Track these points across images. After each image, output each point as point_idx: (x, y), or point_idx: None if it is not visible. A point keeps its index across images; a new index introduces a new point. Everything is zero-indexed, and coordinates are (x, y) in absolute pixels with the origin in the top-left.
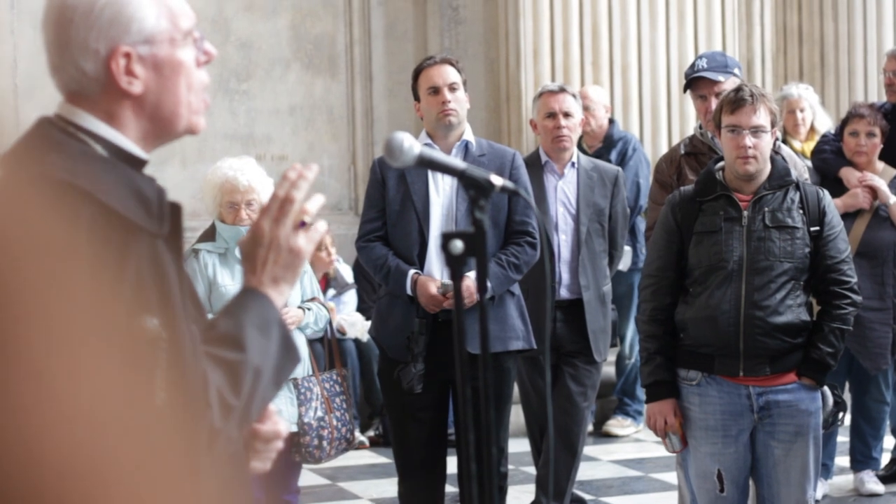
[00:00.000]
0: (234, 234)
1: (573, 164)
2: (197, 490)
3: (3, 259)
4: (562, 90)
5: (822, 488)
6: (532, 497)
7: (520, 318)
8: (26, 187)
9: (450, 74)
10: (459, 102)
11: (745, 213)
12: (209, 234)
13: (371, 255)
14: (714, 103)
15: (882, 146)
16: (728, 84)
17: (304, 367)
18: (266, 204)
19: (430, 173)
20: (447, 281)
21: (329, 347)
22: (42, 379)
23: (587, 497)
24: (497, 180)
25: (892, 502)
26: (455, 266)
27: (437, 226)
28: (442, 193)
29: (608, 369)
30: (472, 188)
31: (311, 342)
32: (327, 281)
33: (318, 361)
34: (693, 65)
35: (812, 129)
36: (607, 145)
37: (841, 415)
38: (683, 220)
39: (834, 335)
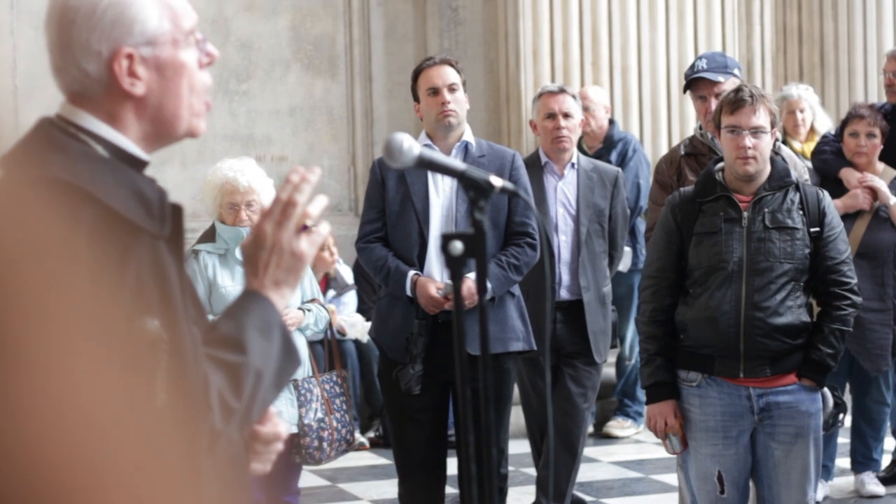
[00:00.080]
0: (234, 235)
1: (573, 164)
2: (197, 492)
3: (2, 260)
4: (561, 91)
5: (822, 490)
6: (532, 498)
7: (520, 319)
8: (27, 188)
9: (449, 75)
10: (459, 103)
11: (745, 213)
12: (209, 235)
13: (371, 256)
14: (714, 104)
15: (882, 147)
16: (728, 85)
17: (304, 369)
18: (269, 207)
19: (429, 174)
20: (449, 282)
21: (329, 348)
22: (41, 380)
23: (587, 498)
24: (497, 181)
25: None
26: (455, 267)
27: (436, 227)
28: (442, 194)
29: (608, 370)
30: (472, 189)
31: (311, 344)
32: (327, 282)
33: (318, 362)
34: (693, 65)
35: (812, 130)
36: (607, 146)
37: (841, 416)
38: (683, 221)
39: (834, 336)
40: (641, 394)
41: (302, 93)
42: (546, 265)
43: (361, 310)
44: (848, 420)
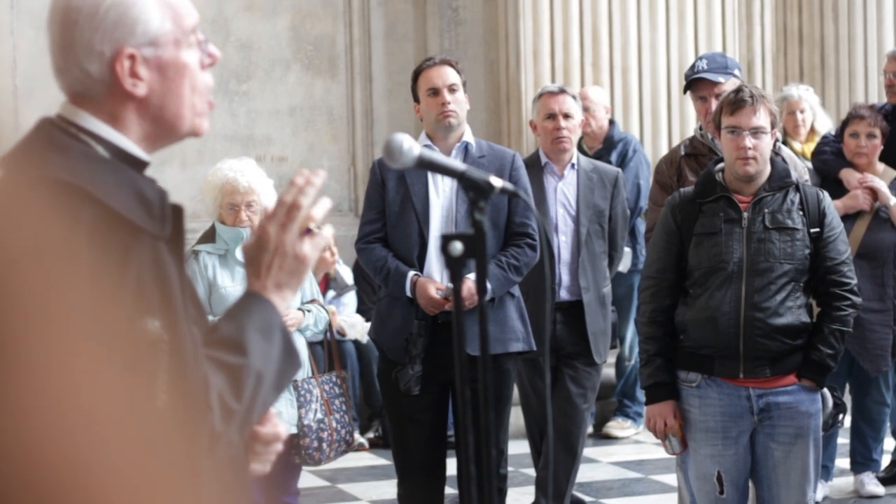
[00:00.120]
0: (234, 235)
1: (573, 165)
2: (197, 492)
3: (3, 260)
4: (561, 91)
5: (822, 490)
6: (532, 499)
7: (519, 319)
8: (27, 188)
9: (449, 76)
10: (459, 104)
11: (745, 214)
12: (209, 236)
13: (371, 256)
14: (714, 104)
15: (882, 147)
16: (728, 85)
17: (303, 370)
18: (273, 209)
19: (429, 175)
20: (450, 285)
21: (329, 349)
22: (41, 381)
23: (587, 499)
24: (497, 182)
25: None
26: (455, 268)
27: (436, 227)
28: (442, 195)
29: (608, 371)
30: (472, 190)
31: (311, 345)
32: (327, 282)
33: (317, 363)
34: (693, 66)
35: (812, 131)
36: (607, 146)
37: (841, 416)
38: (683, 222)
39: (834, 337)
40: (641, 394)
41: (302, 93)
42: (546, 266)
43: (361, 310)
44: (847, 420)
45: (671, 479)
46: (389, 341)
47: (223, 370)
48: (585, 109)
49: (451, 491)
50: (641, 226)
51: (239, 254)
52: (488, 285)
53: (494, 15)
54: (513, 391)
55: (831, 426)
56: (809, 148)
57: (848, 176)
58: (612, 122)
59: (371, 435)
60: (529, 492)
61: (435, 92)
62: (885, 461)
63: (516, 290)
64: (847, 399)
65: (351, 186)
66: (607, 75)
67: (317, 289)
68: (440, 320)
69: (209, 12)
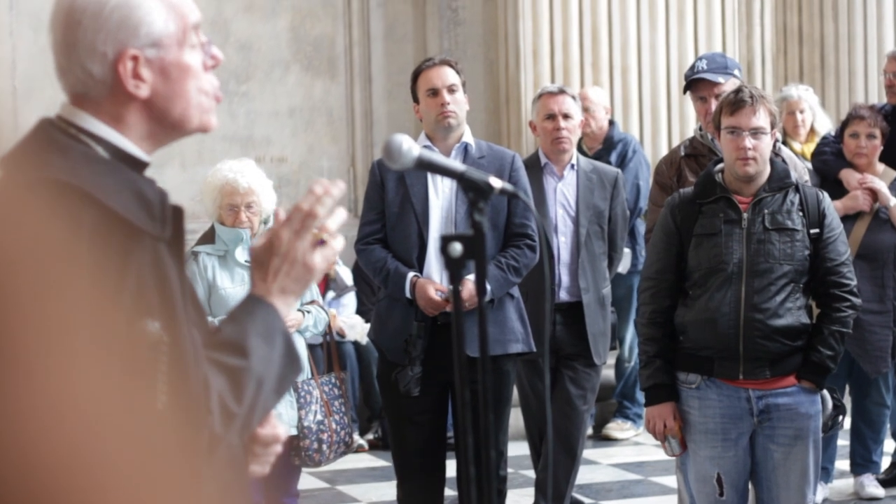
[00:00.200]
0: (233, 236)
1: (572, 165)
2: (197, 495)
3: (2, 261)
4: (561, 92)
5: (822, 492)
6: (531, 500)
7: (519, 320)
8: (27, 189)
9: (449, 76)
10: (458, 104)
11: (745, 215)
12: (208, 237)
13: (370, 257)
14: (714, 105)
15: (882, 148)
16: (728, 85)
17: (303, 371)
18: (288, 214)
19: (429, 175)
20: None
21: (328, 350)
22: (40, 382)
23: (586, 500)
24: (496, 183)
25: None
26: (454, 269)
27: (436, 228)
28: (441, 196)
29: (608, 372)
30: (472, 190)
31: (311, 346)
32: (327, 283)
33: (317, 365)
34: (693, 66)
35: (812, 131)
36: (607, 147)
37: (840, 418)
38: (683, 223)
39: (834, 338)
40: (641, 396)
41: (301, 94)
42: (545, 267)
43: (361, 311)
44: (847, 422)
45: (671, 480)
46: (389, 342)
47: (224, 372)
48: (585, 110)
49: (450, 492)
50: (641, 226)
51: (239, 254)
52: (488, 286)
53: (494, 15)
54: (512, 392)
55: (831, 428)
56: (809, 148)
57: (848, 176)
58: (611, 123)
59: (370, 436)
60: (529, 493)
61: (434, 92)
62: (885, 463)
63: (516, 291)
64: (847, 401)
65: (350, 187)
66: (607, 76)
67: (316, 290)
68: (440, 321)
69: (209, 13)
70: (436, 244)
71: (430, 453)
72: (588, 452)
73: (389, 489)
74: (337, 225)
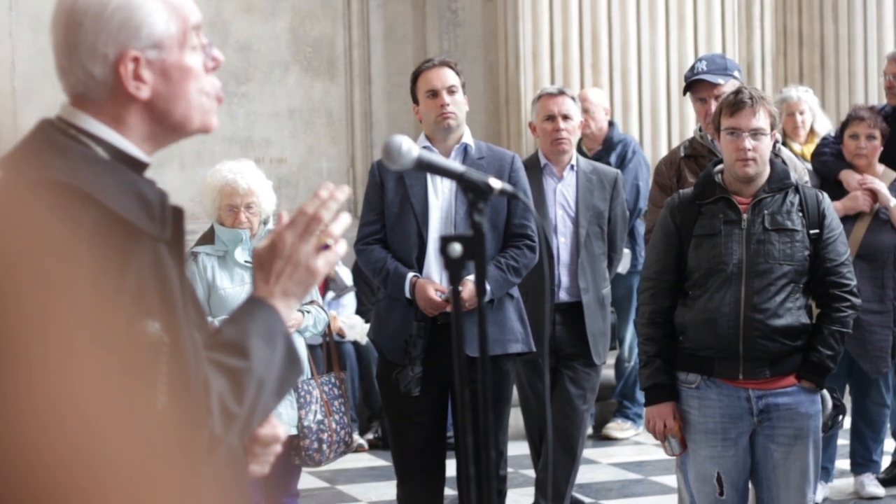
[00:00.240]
0: (233, 237)
1: (572, 166)
2: (196, 495)
3: (2, 262)
4: (561, 93)
5: (822, 491)
6: (531, 500)
7: (519, 321)
8: (27, 190)
9: (448, 77)
10: (458, 105)
11: (745, 215)
12: (208, 237)
13: (370, 258)
14: (714, 106)
15: (882, 149)
16: (728, 87)
17: (303, 372)
18: (292, 217)
19: (429, 176)
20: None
21: (327, 350)
22: (39, 382)
23: (586, 500)
24: (496, 183)
25: None
26: (454, 269)
27: (435, 229)
28: (441, 196)
29: (607, 372)
30: (471, 191)
31: (310, 347)
32: (326, 283)
33: (316, 365)
34: (693, 67)
35: (812, 132)
36: (607, 148)
37: (840, 418)
38: (682, 223)
39: (833, 338)
40: (641, 395)
41: (301, 95)
42: (545, 267)
43: (360, 311)
44: (847, 422)
45: (671, 480)
46: (389, 342)
47: (224, 373)
48: (585, 111)
49: (450, 492)
50: (641, 227)
51: (238, 255)
52: (487, 287)
53: (494, 17)
54: (512, 392)
55: (831, 427)
56: (809, 149)
57: (848, 177)
58: (611, 124)
59: (370, 436)
60: (529, 493)
61: (434, 94)
62: (886, 462)
63: (515, 292)
64: (847, 400)
65: (350, 188)
66: (607, 77)
67: (316, 290)
68: (439, 321)
69: (208, 14)
70: (435, 244)
71: (430, 453)
72: (588, 452)
73: (389, 489)
74: (341, 229)
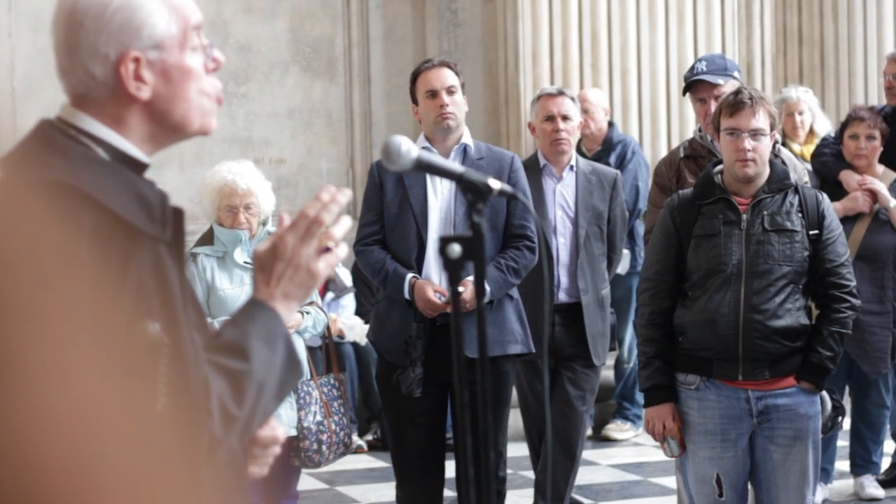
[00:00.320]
0: (232, 237)
1: (572, 167)
2: (196, 497)
3: (1, 262)
4: (560, 93)
5: (821, 493)
6: (530, 501)
7: (518, 321)
8: (27, 190)
9: (448, 78)
10: (457, 106)
11: (745, 216)
12: (207, 238)
13: (369, 258)
14: (713, 106)
15: (882, 149)
16: (727, 87)
17: (303, 373)
18: (293, 220)
19: (428, 177)
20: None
21: (326, 351)
22: (38, 383)
23: (586, 501)
24: (495, 184)
25: None
26: (453, 270)
27: (435, 229)
28: (440, 197)
29: (607, 373)
30: (470, 192)
31: (310, 349)
32: (326, 284)
33: (316, 366)
34: (692, 67)
35: (812, 132)
36: (606, 148)
37: (839, 419)
38: (682, 224)
39: (833, 339)
40: (640, 396)
41: (300, 95)
42: (544, 268)
43: (360, 312)
44: (847, 423)
45: (670, 481)
46: (388, 343)
47: (225, 375)
48: (584, 111)
49: (449, 493)
50: (640, 228)
51: (238, 256)
52: (487, 287)
53: (493, 17)
54: (511, 393)
55: (830, 429)
56: (809, 150)
57: (847, 178)
58: (611, 124)
59: (370, 437)
60: (528, 494)
61: (433, 94)
62: (885, 464)
63: (515, 293)
64: (847, 402)
65: (349, 188)
66: (606, 77)
67: (315, 291)
68: (438, 322)
69: (208, 14)
70: (435, 245)
71: (429, 454)
72: (587, 453)
73: (389, 490)
74: (342, 232)
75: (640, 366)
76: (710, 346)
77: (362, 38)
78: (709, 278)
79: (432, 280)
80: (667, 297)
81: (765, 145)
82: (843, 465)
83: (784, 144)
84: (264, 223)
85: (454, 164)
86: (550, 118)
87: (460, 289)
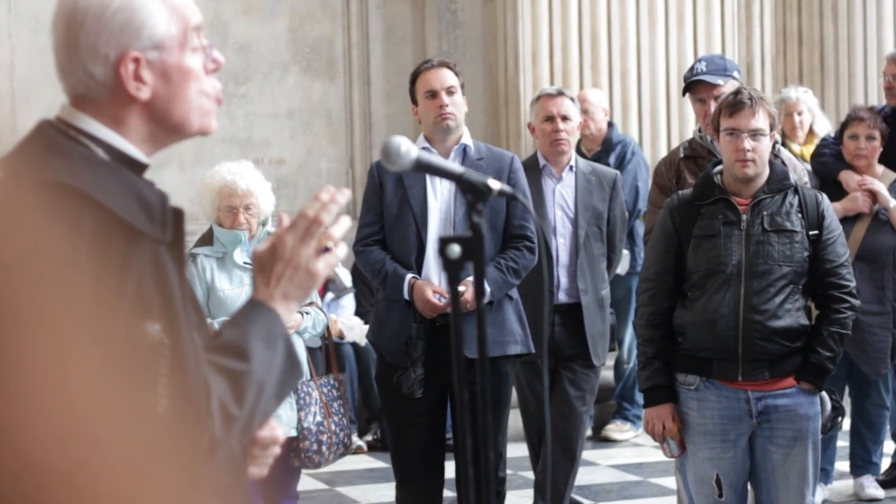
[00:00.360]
0: (231, 238)
1: (571, 167)
2: (196, 497)
3: (2, 263)
4: (560, 94)
5: (821, 493)
6: (530, 502)
7: (518, 322)
8: (27, 191)
9: (447, 78)
10: (457, 106)
11: (744, 216)
12: (207, 239)
13: (368, 259)
14: (713, 106)
15: (882, 149)
16: (727, 87)
17: (303, 374)
18: (293, 220)
19: (428, 177)
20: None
21: (326, 352)
22: (37, 384)
23: (586, 502)
24: (494, 184)
25: None
26: (452, 270)
27: (434, 230)
28: (440, 197)
29: (607, 373)
30: (470, 192)
31: (310, 349)
32: (326, 285)
33: (315, 366)
34: (692, 68)
35: (811, 133)
36: (606, 149)
37: (839, 420)
38: (682, 224)
39: (833, 339)
40: (640, 397)
41: (300, 95)
42: (544, 268)
43: (359, 313)
44: (847, 423)
45: (670, 482)
46: (388, 344)
47: (225, 376)
48: (584, 112)
49: (449, 494)
50: (640, 228)
51: (237, 256)
52: (487, 288)
53: (493, 17)
54: (511, 394)
55: (830, 429)
56: (809, 150)
57: (847, 178)
58: (610, 125)
59: (369, 438)
60: (528, 495)
61: (433, 94)
62: (885, 464)
63: (514, 293)
64: (846, 402)
65: (349, 189)
66: (606, 77)
67: (315, 291)
68: (438, 323)
69: (207, 15)
70: (434, 246)
71: (429, 455)
72: (587, 454)
73: (388, 490)
74: (341, 232)
75: (640, 366)
76: (709, 346)
77: (362, 38)
78: (708, 279)
79: (432, 280)
80: (666, 297)
81: (764, 145)
82: (842, 465)
83: (783, 145)
84: (264, 224)
85: (454, 165)
86: (550, 118)
87: (462, 289)
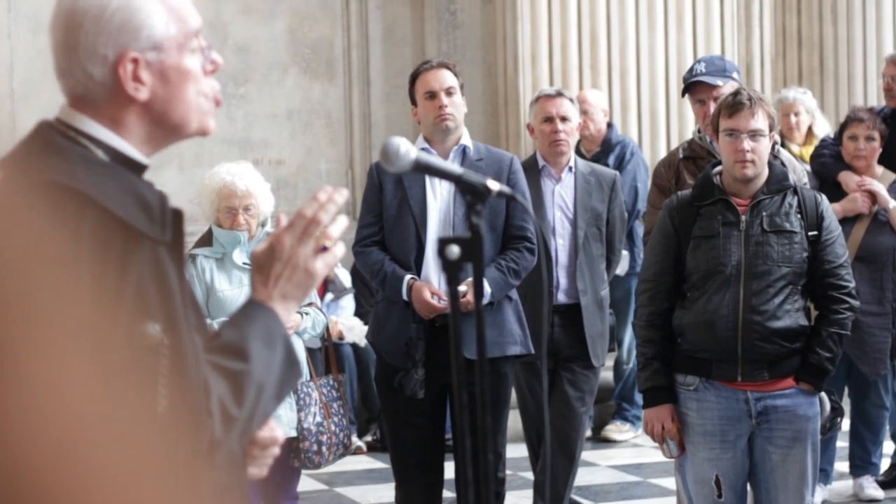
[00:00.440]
0: (231, 239)
1: (570, 168)
2: (195, 498)
3: (2, 263)
4: (559, 94)
5: (821, 494)
6: (530, 502)
7: (517, 323)
8: (27, 191)
9: (447, 79)
10: (456, 107)
11: (744, 217)
12: (206, 240)
13: (368, 260)
14: (712, 107)
15: (881, 150)
16: (726, 88)
17: (302, 374)
18: (291, 220)
19: (427, 178)
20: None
21: (325, 352)
22: (29, 384)
23: (585, 502)
24: (494, 185)
25: None
26: (452, 271)
27: (434, 231)
28: (439, 198)
29: (606, 374)
30: (469, 193)
31: (309, 350)
32: (325, 285)
33: (315, 367)
34: (691, 69)
35: (811, 134)
36: (605, 149)
37: (838, 420)
38: (681, 225)
39: (832, 340)
40: (639, 398)
41: (300, 96)
42: (543, 269)
43: (359, 313)
44: (846, 424)
45: (670, 482)
46: (387, 345)
47: (224, 376)
48: (583, 112)
49: (448, 494)
50: (639, 229)
51: (237, 257)
52: (487, 289)
53: (492, 18)
54: (510, 395)
55: (829, 430)
56: (808, 151)
57: (846, 179)
58: (610, 126)
59: (369, 438)
60: (527, 495)
61: (432, 95)
62: (885, 465)
63: (514, 294)
64: (846, 403)
65: (348, 190)
66: (605, 78)
67: (314, 292)
68: (438, 323)
69: (207, 15)
70: (433, 246)
71: (428, 455)
72: (587, 454)
73: (388, 491)
74: (339, 232)
75: (639, 367)
76: (708, 347)
77: (361, 39)
78: (708, 279)
79: (431, 281)
80: (666, 298)
81: (764, 146)
82: (842, 466)
83: (783, 145)
84: (263, 224)
85: (453, 166)
86: (549, 119)
87: (463, 289)
